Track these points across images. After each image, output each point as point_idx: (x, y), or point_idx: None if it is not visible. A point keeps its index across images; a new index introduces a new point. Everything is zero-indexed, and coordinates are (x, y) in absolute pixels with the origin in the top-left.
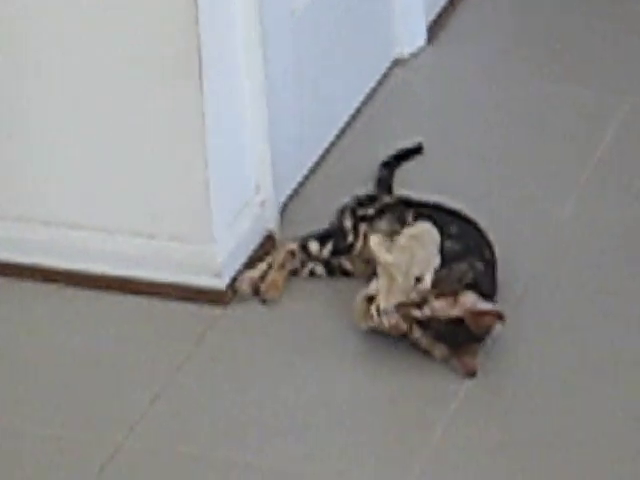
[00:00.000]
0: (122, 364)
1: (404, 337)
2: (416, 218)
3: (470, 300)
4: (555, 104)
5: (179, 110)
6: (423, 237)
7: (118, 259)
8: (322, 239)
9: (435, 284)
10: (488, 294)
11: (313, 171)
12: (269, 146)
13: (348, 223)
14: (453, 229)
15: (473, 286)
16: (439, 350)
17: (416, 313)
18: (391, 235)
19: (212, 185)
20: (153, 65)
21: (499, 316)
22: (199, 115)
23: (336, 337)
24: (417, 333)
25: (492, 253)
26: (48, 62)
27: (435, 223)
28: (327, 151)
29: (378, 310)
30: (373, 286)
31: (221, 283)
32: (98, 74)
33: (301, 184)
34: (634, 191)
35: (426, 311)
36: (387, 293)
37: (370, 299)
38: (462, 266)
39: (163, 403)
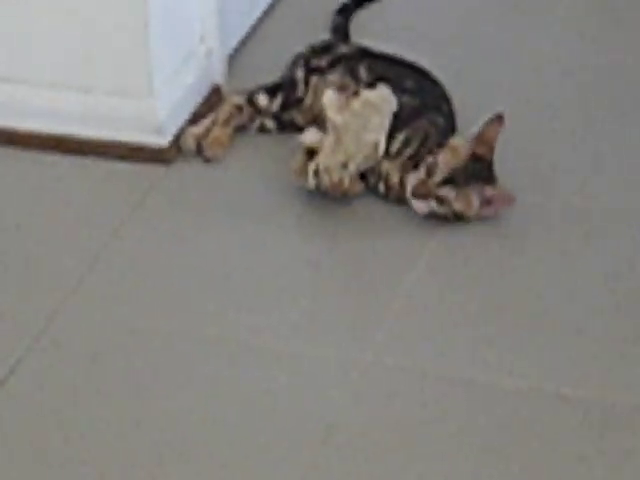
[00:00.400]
0: (58, 227)
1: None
2: (369, 71)
3: (459, 139)
4: None
5: None
6: (380, 104)
7: (52, 115)
8: (271, 91)
9: (404, 145)
10: None
11: (264, 18)
12: None
13: (300, 74)
14: (409, 83)
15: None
16: (475, 196)
17: (435, 178)
18: (342, 88)
19: (152, 33)
20: None
21: (499, 119)
22: None
23: (286, 198)
24: (450, 195)
25: (450, 106)
26: None
27: (390, 77)
28: None
29: (316, 171)
30: (311, 136)
31: (163, 140)
32: None
33: (251, 32)
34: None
35: (443, 169)
36: (331, 152)
37: (309, 154)
38: (423, 123)
39: (101, 269)
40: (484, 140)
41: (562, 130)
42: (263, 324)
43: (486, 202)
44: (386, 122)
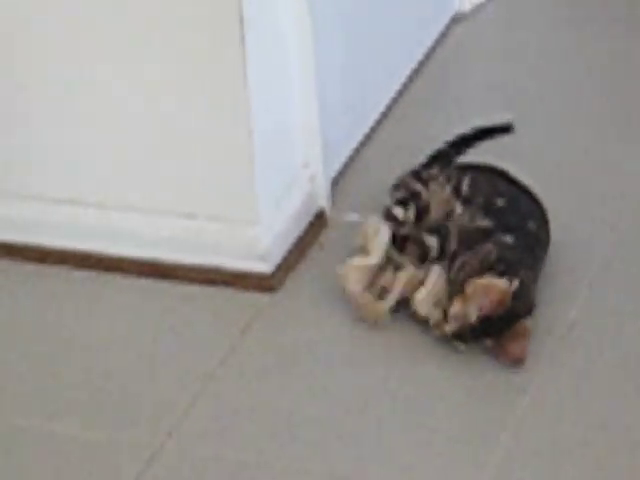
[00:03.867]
0: (160, 357)
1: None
2: (471, 185)
3: (474, 287)
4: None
5: (220, 80)
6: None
7: (156, 242)
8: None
9: (460, 268)
10: (515, 265)
11: (366, 141)
12: (318, 115)
13: (417, 186)
14: (500, 202)
15: (495, 264)
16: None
17: (446, 329)
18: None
19: (257, 161)
20: (190, 33)
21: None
22: (242, 84)
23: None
24: (461, 347)
25: (539, 225)
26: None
27: (485, 195)
28: (381, 118)
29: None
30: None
31: (267, 267)
32: (126, 42)
33: (353, 156)
34: None
35: (452, 324)
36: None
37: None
38: (487, 246)
39: (205, 402)
40: (490, 299)
41: None
42: (379, 470)
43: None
44: None
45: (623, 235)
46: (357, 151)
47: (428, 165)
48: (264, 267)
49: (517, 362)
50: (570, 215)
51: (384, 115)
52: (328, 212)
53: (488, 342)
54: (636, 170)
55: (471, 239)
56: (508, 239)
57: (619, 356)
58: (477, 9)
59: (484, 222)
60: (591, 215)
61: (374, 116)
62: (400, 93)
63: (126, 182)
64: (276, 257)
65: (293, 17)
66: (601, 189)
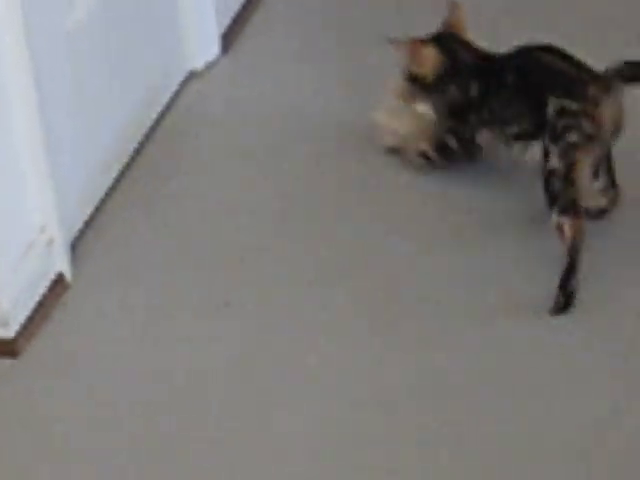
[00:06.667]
0: None
1: None
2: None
3: None
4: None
5: None
6: None
7: None
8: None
9: None
10: None
11: (105, 201)
12: (51, 180)
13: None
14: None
15: None
16: None
17: None
18: None
19: None
20: None
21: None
22: None
23: None
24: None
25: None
26: None
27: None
28: (119, 179)
29: None
30: None
31: (9, 332)
32: None
33: (92, 218)
34: None
35: None
36: None
37: None
38: None
39: None
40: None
41: None
42: None
43: None
44: None
45: None
46: (96, 213)
47: None
48: (5, 332)
49: None
50: None
51: (121, 176)
52: (68, 275)
53: None
54: None
55: None
56: None
57: None
58: (210, 66)
59: None
60: None
61: (111, 178)
62: (137, 153)
63: None
64: (17, 321)
65: (20, 87)
66: None
